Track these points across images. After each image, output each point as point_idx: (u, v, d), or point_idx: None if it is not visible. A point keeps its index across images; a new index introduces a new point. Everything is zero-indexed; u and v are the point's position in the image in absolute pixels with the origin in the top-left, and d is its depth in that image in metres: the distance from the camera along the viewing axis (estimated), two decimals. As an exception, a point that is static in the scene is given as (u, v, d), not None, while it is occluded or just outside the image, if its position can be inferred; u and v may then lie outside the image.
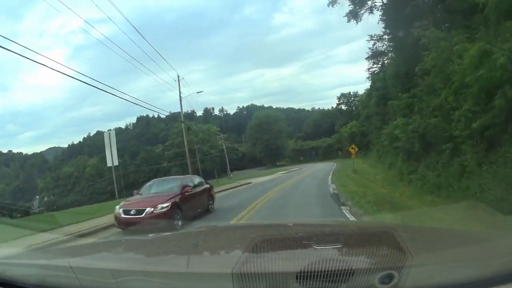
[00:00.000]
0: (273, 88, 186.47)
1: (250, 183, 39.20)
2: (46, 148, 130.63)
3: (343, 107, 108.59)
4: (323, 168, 55.18)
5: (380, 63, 50.56)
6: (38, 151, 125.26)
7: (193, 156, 79.40)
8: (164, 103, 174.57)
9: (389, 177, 23.83)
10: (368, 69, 56.69)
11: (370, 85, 51.70)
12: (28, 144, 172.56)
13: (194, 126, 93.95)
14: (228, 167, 75.29)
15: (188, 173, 38.66)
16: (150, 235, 3.34)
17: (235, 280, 1.62)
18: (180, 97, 38.99)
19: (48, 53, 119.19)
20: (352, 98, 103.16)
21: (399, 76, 24.99)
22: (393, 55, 32.77)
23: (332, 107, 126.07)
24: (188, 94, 75.65)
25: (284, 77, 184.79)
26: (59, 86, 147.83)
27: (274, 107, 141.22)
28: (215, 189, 30.68)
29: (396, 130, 20.36)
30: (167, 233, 3.91)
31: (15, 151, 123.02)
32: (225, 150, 78.76)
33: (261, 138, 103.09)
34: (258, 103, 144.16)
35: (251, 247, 2.22)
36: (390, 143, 23.43)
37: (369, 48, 49.81)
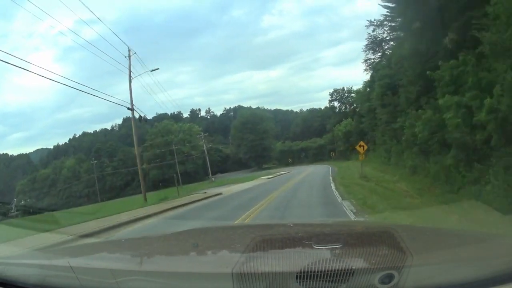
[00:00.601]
0: (261, 90, 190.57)
1: (220, 194, 30.34)
2: (34, 149, 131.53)
3: (336, 104, 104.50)
4: (317, 172, 50.02)
5: (380, 51, 49.63)
6: (27, 152, 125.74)
7: (172, 158, 78.84)
8: (153, 105, 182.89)
9: (423, 186, 17.82)
10: (366, 60, 55.84)
11: (371, 76, 49.32)
12: (17, 145, 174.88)
13: (175, 125, 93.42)
14: (210, 170, 73.41)
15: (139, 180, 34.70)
16: (150, 235, 3.44)
17: (235, 280, 1.70)
18: (130, 77, 31.84)
19: (38, 53, 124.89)
20: (346, 94, 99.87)
21: (417, 54, 21.14)
22: (402, 34, 27.61)
23: (321, 108, 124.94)
24: (153, 85, 73.51)
25: (272, 79, 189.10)
26: (49, 87, 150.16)
27: (261, 108, 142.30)
28: (159, 206, 23.47)
29: (447, 114, 14.29)
30: (167, 233, 4.01)
31: (1, 152, 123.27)
32: (205, 151, 76.92)
33: (246, 139, 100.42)
34: (245, 105, 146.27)
35: (251, 247, 2.31)
36: (431, 134, 17.20)
37: (368, 33, 49.09)
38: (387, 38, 45.53)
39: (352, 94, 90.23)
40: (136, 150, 36.19)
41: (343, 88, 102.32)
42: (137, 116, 32.36)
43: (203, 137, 79.93)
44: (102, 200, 68.44)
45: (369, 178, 26.64)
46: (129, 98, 31.65)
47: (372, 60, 53.59)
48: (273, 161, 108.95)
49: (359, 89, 68.16)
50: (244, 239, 2.89)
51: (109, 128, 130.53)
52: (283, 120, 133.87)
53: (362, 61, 58.05)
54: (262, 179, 47.56)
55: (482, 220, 8.44)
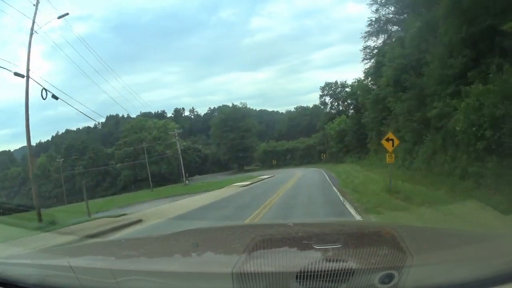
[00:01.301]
0: (248, 91, 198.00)
1: (140, 221, 17.92)
2: (20, 146, 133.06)
3: (328, 99, 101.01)
4: (310, 177, 42.56)
5: (385, 35, 49.85)
6: (10, 150, 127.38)
7: (143, 157, 77.80)
8: (141, 103, 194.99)
9: None
10: (365, 48, 55.42)
11: (375, 62, 46.83)
12: (5, 142, 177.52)
13: (150, 121, 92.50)
14: (183, 171, 70.58)
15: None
16: (150, 235, 3.56)
17: (235, 280, 1.82)
18: (32, 30, 21.94)
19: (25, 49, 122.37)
20: (340, 89, 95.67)
21: (459, 13, 17.29)
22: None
23: (309, 106, 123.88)
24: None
25: (259, 81, 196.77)
26: (36, 84, 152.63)
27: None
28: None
29: None
30: (167, 233, 4.14)
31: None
32: (179, 150, 75.11)
33: (226, 137, 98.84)
34: (230, 105, 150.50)
35: (251, 247, 2.45)
36: None
37: (373, 11, 48.31)
38: (394, 19, 45.42)
39: (347, 89, 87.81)
40: (27, 138, 24.90)
41: (336, 81, 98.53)
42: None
43: (176, 134, 78.11)
44: (69, 202, 67.27)
45: (406, 194, 17.11)
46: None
47: (374, 46, 53.27)
48: (256, 162, 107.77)
49: (358, 79, 64.40)
50: (244, 239, 3.02)
51: (91, 126, 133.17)
52: (268, 121, 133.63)
53: (361, 49, 57.89)
54: (237, 186, 39.09)
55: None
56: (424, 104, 23.19)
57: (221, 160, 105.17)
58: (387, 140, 20.29)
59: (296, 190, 26.68)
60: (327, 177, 38.93)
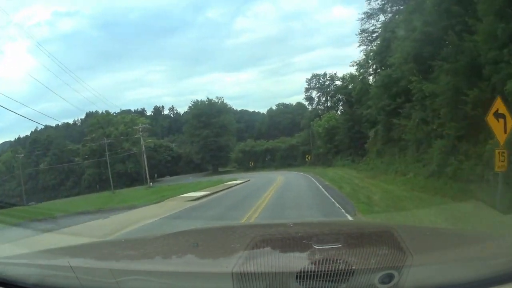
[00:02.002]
0: (232, 92, 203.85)
1: None
2: (1, 142, 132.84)
3: (315, 94, 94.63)
4: (293, 184, 35.68)
5: (388, 14, 49.64)
6: None
7: (111, 154, 76.65)
8: (126, 101, 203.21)
9: None
10: (362, 31, 55.16)
11: (381, 40, 43.18)
12: None
13: (118, 116, 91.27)
14: (147, 171, 67.35)
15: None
16: (150, 235, 3.68)
17: (235, 280, 1.92)
18: None
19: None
20: (329, 82, 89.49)
21: None
22: None
23: (292, 104, 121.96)
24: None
25: (242, 82, 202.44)
26: (21, 79, 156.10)
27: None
28: None
29: None
30: (167, 233, 4.25)
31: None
32: (143, 147, 71.75)
33: (199, 135, 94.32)
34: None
35: (251, 247, 2.56)
36: None
37: None
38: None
39: (337, 82, 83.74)
40: None
41: (325, 73, 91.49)
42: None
43: (141, 129, 75.58)
44: (27, 203, 65.60)
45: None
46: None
47: (373, 29, 53.31)
48: (233, 163, 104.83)
49: (356, 61, 55.72)
50: (244, 239, 3.15)
51: (71, 122, 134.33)
52: (249, 121, 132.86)
53: (357, 33, 57.22)
54: (185, 199, 28.49)
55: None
56: (479, 77, 16.92)
57: (193, 159, 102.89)
58: (496, 116, 11.27)
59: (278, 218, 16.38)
60: (321, 187, 29.40)
